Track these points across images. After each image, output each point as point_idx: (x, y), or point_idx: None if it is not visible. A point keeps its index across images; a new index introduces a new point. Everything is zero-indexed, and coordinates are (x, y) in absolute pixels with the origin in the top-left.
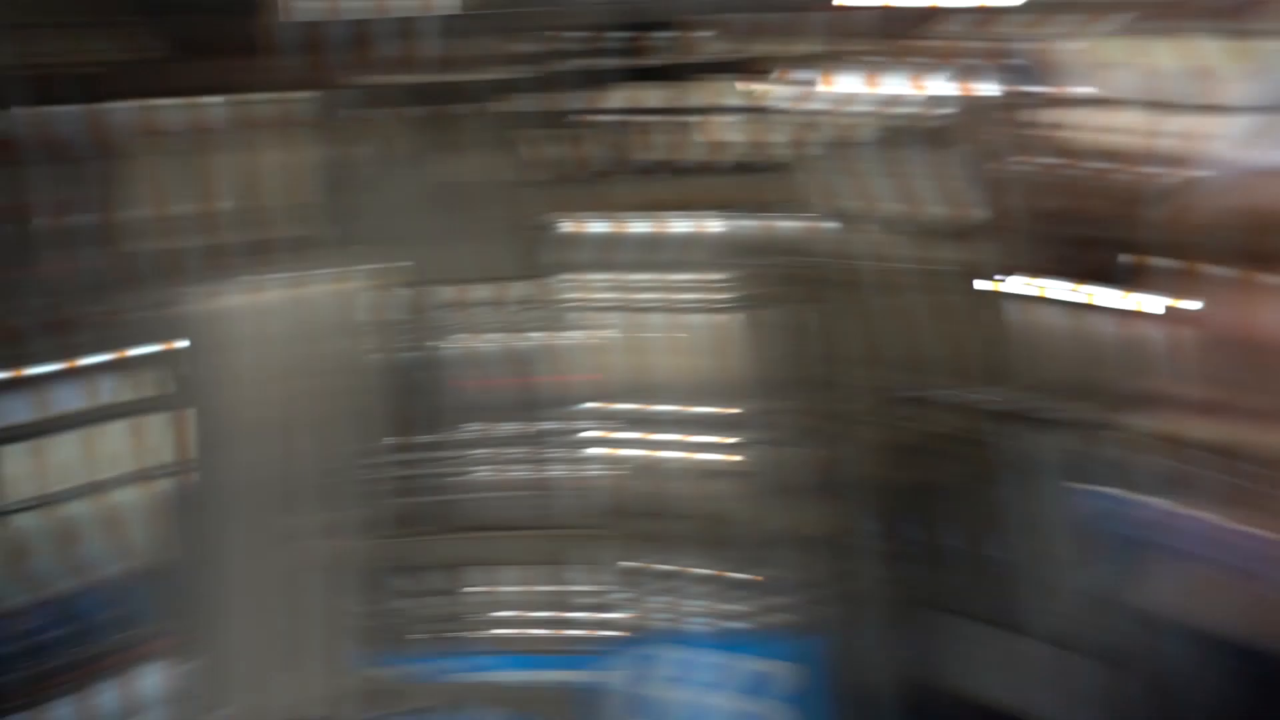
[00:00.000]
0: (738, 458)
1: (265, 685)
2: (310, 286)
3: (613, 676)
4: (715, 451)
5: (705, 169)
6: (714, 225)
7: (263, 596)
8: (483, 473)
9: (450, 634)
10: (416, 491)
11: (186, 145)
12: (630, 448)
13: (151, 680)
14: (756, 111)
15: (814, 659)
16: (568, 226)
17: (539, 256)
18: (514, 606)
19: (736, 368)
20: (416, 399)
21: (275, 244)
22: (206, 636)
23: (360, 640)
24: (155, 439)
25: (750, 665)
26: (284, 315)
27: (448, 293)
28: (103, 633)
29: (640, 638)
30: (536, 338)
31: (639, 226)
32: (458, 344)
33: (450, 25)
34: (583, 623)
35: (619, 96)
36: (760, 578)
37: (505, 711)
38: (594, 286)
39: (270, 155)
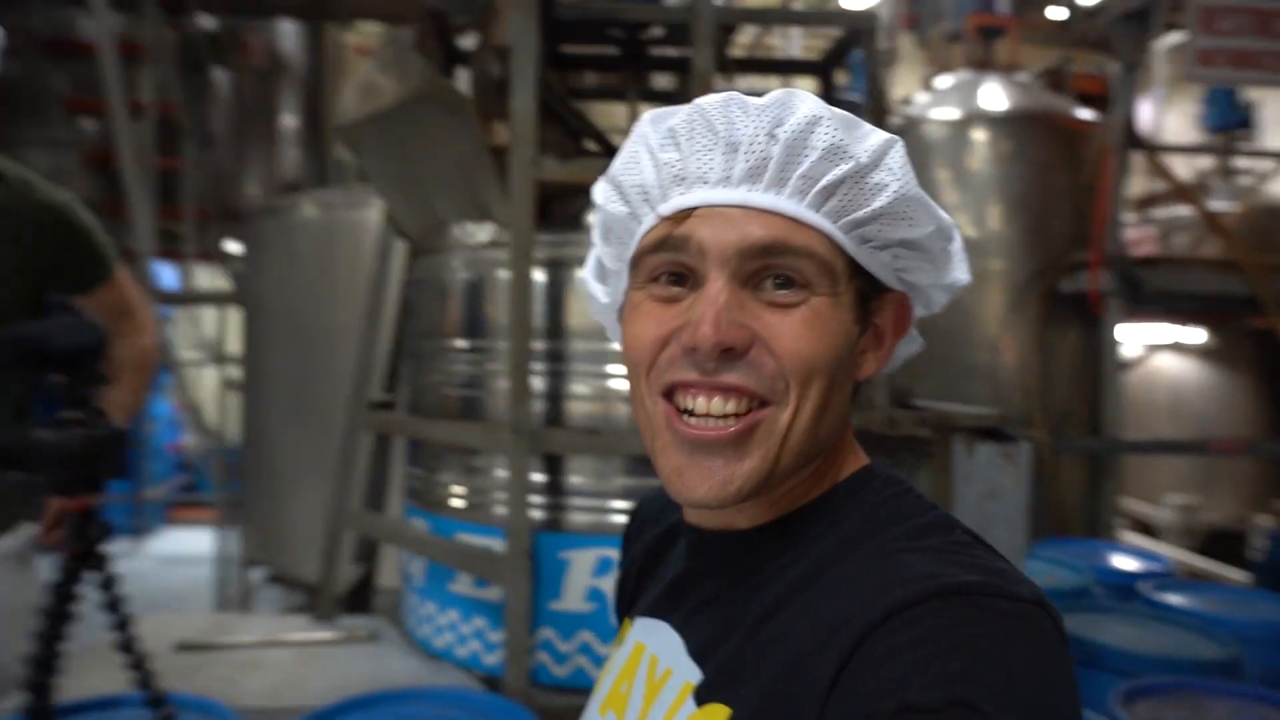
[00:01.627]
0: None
1: (300, 549)
2: (353, 212)
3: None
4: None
5: None
6: None
7: (305, 469)
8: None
9: (441, 502)
10: (439, 386)
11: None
12: (564, 375)
13: (204, 537)
14: None
15: None
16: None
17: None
18: (480, 485)
19: None
20: (443, 314)
21: (334, 171)
22: (254, 504)
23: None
24: (230, 328)
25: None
26: (330, 233)
27: (459, 233)
28: (167, 489)
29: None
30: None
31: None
32: (468, 272)
33: None
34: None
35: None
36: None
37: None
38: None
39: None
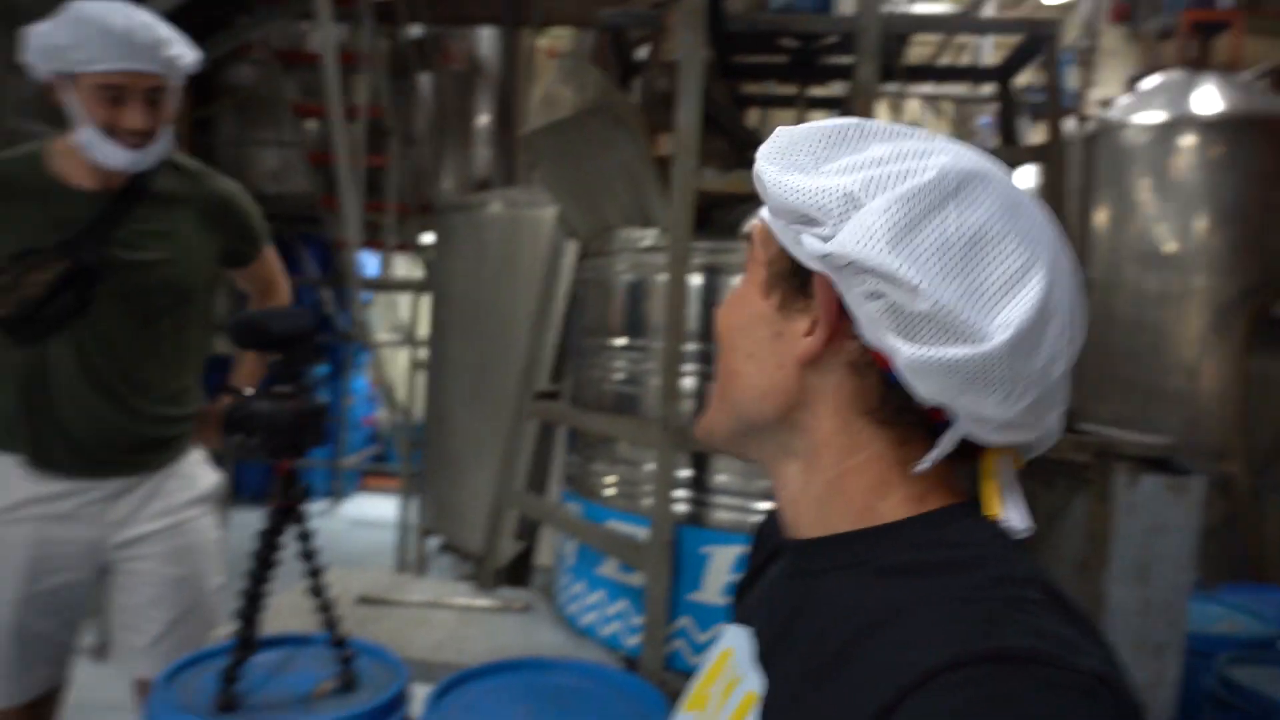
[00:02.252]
0: None
1: (470, 522)
2: (536, 210)
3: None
4: None
5: None
6: None
7: (479, 449)
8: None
9: (595, 489)
10: (599, 380)
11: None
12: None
13: (390, 504)
14: None
15: None
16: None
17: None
18: (630, 476)
19: None
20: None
21: (523, 169)
22: (432, 478)
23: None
24: (422, 313)
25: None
26: (514, 229)
27: (624, 236)
28: (361, 459)
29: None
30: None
31: None
32: (631, 274)
33: None
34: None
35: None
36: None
37: (610, 551)
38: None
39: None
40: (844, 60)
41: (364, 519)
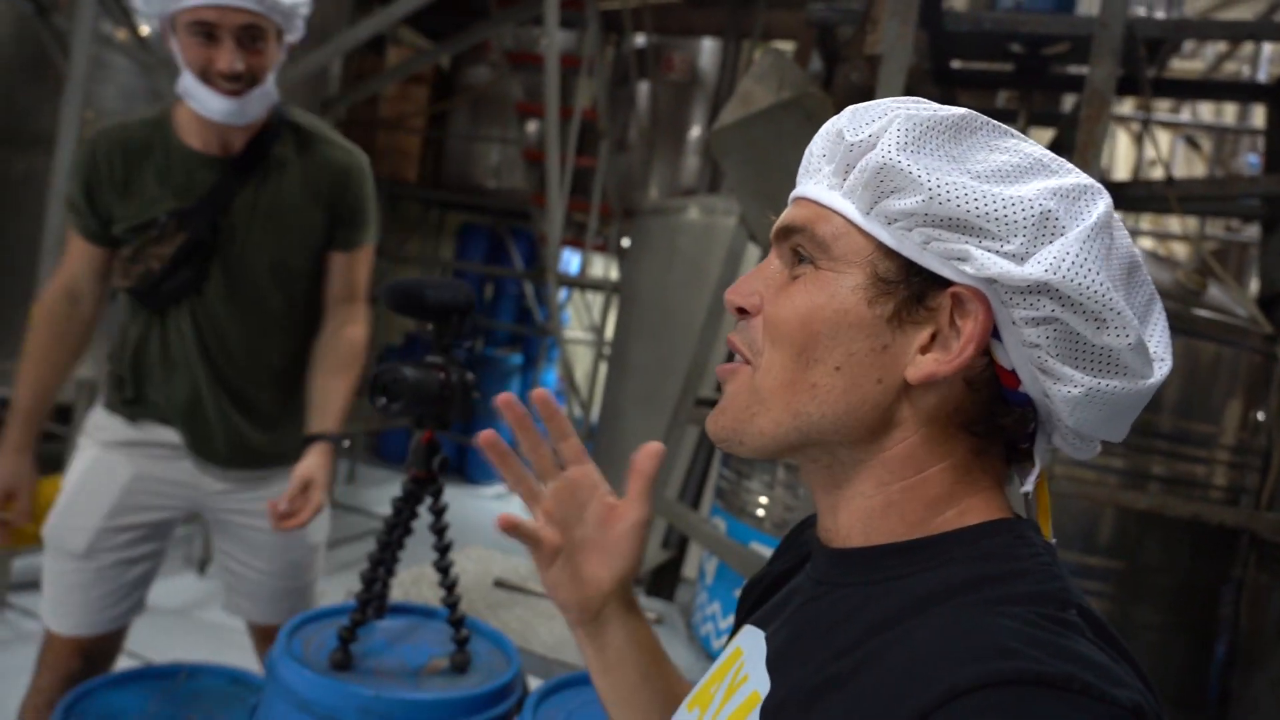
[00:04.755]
0: None
1: None
2: (731, 218)
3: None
4: None
5: None
6: None
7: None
8: None
9: (744, 507)
10: None
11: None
12: None
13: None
14: None
15: None
16: None
17: None
18: (784, 498)
19: None
20: None
21: (726, 180)
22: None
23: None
24: (606, 314)
25: None
26: (708, 236)
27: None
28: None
29: None
30: None
31: None
32: None
33: None
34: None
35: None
36: None
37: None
38: None
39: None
40: (1080, 70)
41: None
